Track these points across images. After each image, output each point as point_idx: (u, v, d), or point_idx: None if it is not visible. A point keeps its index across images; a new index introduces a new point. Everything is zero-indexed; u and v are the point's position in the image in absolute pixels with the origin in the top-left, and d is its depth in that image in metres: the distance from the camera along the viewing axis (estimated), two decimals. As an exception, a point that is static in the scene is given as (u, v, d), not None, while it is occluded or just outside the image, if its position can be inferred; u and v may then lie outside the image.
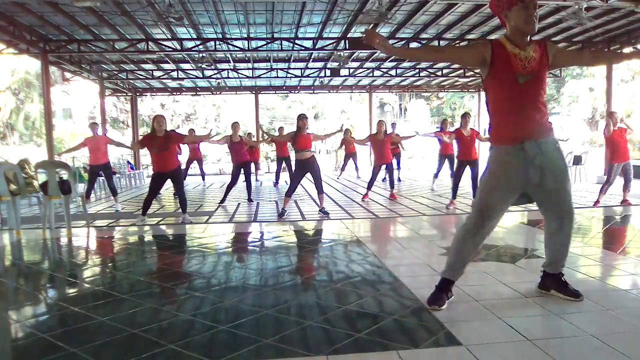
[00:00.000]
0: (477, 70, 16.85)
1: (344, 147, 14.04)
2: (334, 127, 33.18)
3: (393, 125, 12.18)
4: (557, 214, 2.72)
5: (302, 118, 6.84)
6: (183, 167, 13.29)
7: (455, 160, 7.88)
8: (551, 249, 2.84)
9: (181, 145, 10.44)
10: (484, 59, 2.64)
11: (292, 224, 6.29)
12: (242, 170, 8.81)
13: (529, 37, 2.65)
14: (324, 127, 34.33)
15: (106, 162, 8.35)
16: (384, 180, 11.09)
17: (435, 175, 10.48)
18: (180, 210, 6.77)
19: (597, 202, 7.22)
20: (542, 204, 2.77)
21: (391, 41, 13.11)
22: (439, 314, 2.62)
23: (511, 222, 5.88)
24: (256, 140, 11.74)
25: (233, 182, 8.68)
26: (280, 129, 12.08)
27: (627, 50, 13.81)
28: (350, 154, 13.91)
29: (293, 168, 8.31)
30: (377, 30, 11.77)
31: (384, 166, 8.62)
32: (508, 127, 2.66)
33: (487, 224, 2.72)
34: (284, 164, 11.83)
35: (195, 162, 12.97)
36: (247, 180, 8.85)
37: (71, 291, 3.49)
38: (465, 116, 7.55)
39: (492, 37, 12.13)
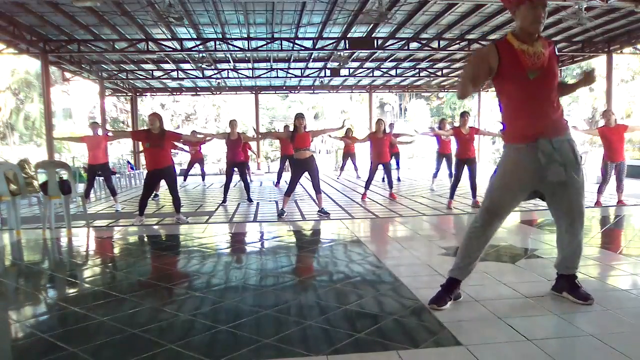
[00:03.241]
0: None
1: (343, 145, 14.03)
2: (335, 126, 33.19)
3: (391, 125, 12.17)
4: (568, 213, 2.69)
5: (298, 117, 6.85)
6: (185, 167, 13.34)
7: (454, 159, 7.88)
8: (562, 250, 2.81)
9: (180, 145, 10.43)
10: (492, 68, 2.62)
11: (292, 224, 6.29)
12: (235, 170, 8.78)
13: (537, 34, 2.63)
14: (324, 128, 34.31)
15: (105, 163, 8.31)
16: (384, 180, 11.09)
17: (434, 175, 10.48)
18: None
19: (597, 202, 7.21)
20: (552, 203, 2.73)
21: (391, 41, 13.11)
22: (439, 314, 2.62)
23: (511, 222, 5.88)
24: (254, 136, 11.70)
25: (229, 181, 8.67)
26: (286, 127, 12.07)
27: (628, 49, 13.84)
28: (349, 154, 13.90)
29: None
30: (377, 30, 11.82)
31: (381, 166, 8.60)
32: (521, 124, 2.64)
33: (495, 222, 2.72)
34: (287, 163, 11.76)
35: (196, 163, 12.95)
36: (244, 181, 8.83)
37: (71, 291, 3.49)
38: (463, 115, 7.55)
39: (492, 37, 12.14)
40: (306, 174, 6.90)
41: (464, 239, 2.82)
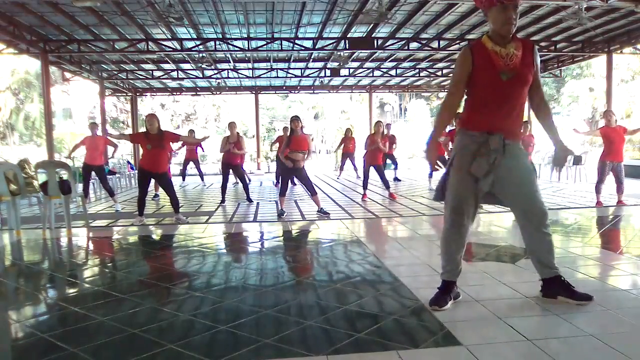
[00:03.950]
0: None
1: (342, 146, 14.04)
2: (335, 127, 33.20)
3: (388, 125, 12.18)
4: (526, 215, 2.67)
5: (294, 120, 6.86)
6: (180, 167, 13.31)
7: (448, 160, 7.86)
8: (535, 253, 2.74)
9: (177, 145, 10.42)
10: (469, 72, 2.63)
11: (292, 224, 6.29)
12: (230, 171, 8.75)
13: (509, 36, 2.63)
14: (324, 127, 34.38)
15: (100, 165, 8.30)
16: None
17: (430, 175, 10.48)
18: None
19: (598, 202, 7.20)
20: (510, 206, 2.74)
21: (391, 41, 13.06)
22: (439, 314, 2.62)
23: (511, 222, 5.87)
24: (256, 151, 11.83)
25: (225, 181, 8.67)
26: (285, 128, 12.09)
27: (628, 49, 13.83)
28: (348, 154, 13.90)
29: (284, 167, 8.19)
30: (377, 30, 11.82)
31: (373, 168, 8.61)
32: (482, 113, 2.65)
33: (464, 221, 2.69)
34: None
35: (191, 162, 12.91)
36: (243, 182, 8.81)
37: (71, 291, 3.50)
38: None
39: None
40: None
41: (441, 243, 2.80)
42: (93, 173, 8.52)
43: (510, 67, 2.57)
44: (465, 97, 2.77)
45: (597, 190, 7.24)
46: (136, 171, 14.44)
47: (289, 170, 6.87)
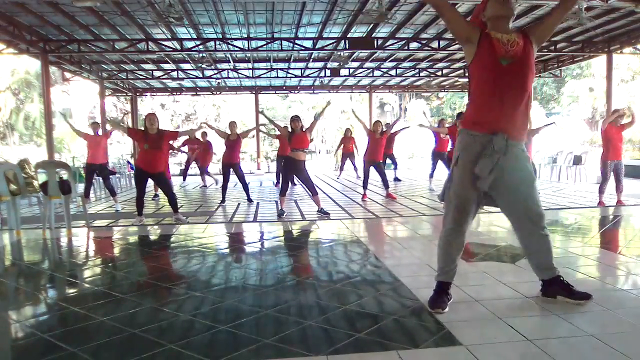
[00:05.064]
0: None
1: (342, 146, 14.02)
2: (335, 127, 33.21)
3: (390, 124, 12.15)
4: (524, 218, 2.65)
5: (293, 120, 6.96)
6: (182, 167, 13.32)
7: (449, 158, 7.87)
8: (534, 255, 2.75)
9: (177, 143, 10.41)
10: (469, 38, 2.65)
11: (292, 224, 6.29)
12: (231, 170, 8.75)
13: (510, 24, 2.68)
14: (324, 127, 34.36)
15: (103, 163, 8.29)
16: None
17: (431, 175, 10.47)
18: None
19: (600, 202, 7.20)
20: (505, 208, 2.71)
21: (391, 41, 13.01)
22: (439, 314, 2.61)
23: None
24: (253, 129, 11.91)
25: (226, 181, 8.66)
26: (286, 127, 12.10)
27: (628, 49, 13.83)
28: (348, 154, 13.90)
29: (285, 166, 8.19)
30: (377, 30, 11.83)
31: (373, 166, 8.61)
32: (485, 111, 2.63)
33: (466, 218, 2.68)
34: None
35: (193, 162, 12.91)
36: (242, 182, 8.81)
37: (71, 291, 3.49)
38: (460, 115, 7.58)
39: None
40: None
41: (440, 245, 2.77)
42: (95, 173, 8.51)
43: (511, 54, 2.58)
44: (469, 98, 2.77)
45: (601, 190, 7.25)
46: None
47: (291, 169, 6.91)
